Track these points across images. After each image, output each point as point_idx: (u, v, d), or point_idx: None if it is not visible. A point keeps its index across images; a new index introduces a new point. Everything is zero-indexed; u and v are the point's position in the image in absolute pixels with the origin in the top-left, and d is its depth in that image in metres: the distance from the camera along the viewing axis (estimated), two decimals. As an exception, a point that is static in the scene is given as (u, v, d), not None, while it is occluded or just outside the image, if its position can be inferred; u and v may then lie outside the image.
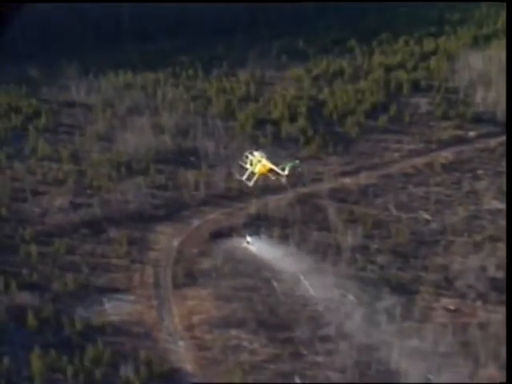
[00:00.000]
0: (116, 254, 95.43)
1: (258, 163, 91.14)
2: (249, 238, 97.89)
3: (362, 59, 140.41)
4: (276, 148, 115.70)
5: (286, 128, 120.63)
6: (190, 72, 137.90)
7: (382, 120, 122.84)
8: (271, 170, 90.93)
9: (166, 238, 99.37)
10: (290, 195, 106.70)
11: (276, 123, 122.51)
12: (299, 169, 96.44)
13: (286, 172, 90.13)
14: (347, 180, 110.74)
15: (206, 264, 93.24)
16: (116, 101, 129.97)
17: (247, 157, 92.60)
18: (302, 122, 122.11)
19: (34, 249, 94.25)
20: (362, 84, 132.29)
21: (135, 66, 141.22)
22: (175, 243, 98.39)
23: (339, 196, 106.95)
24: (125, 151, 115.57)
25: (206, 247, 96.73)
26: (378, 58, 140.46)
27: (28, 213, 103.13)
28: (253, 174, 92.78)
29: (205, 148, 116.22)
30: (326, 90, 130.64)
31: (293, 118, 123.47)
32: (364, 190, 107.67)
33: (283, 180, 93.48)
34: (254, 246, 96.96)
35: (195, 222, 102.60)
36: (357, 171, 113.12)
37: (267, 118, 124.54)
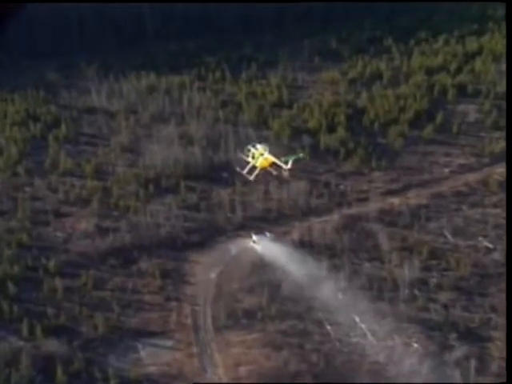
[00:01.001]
0: (149, 289, 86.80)
1: (260, 156, 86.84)
2: (255, 237, 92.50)
3: (401, 60, 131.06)
4: (314, 161, 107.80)
5: (325, 139, 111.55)
6: (217, 74, 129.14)
7: (428, 130, 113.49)
8: (273, 164, 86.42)
9: (203, 269, 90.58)
10: (335, 217, 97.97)
11: (313, 133, 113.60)
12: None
13: (289, 165, 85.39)
14: (395, 200, 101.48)
15: (249, 302, 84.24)
16: (139, 107, 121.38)
17: (249, 150, 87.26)
18: (341, 132, 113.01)
19: (58, 283, 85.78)
20: (403, 89, 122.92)
21: (158, 67, 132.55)
22: (213, 275, 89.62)
23: (388, 219, 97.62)
24: (152, 165, 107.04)
25: (247, 281, 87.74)
26: (417, 58, 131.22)
27: (51, 239, 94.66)
28: (254, 167, 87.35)
29: (238, 161, 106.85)
30: (364, 96, 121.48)
31: (331, 128, 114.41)
32: (415, 212, 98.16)
33: (285, 174, 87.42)
34: (260, 244, 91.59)
35: (233, 250, 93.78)
36: (404, 189, 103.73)
37: (303, 127, 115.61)
